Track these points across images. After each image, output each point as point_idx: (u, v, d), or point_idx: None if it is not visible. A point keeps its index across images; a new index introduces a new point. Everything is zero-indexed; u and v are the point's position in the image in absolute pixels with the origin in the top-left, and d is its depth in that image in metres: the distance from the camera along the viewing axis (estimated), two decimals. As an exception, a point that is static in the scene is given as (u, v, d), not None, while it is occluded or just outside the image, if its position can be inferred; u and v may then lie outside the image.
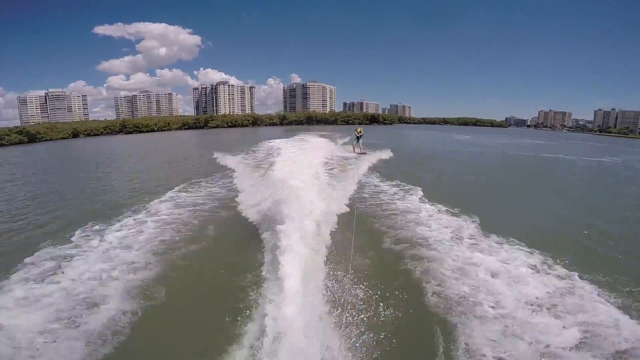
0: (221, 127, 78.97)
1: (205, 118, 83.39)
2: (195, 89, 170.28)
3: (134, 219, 9.55)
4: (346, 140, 30.08)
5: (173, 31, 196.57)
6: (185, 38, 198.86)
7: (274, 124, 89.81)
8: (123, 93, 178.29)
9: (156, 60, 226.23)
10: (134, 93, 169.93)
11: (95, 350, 4.44)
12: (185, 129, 74.78)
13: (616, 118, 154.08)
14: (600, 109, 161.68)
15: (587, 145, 51.12)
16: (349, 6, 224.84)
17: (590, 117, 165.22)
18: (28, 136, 57.76)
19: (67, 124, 71.06)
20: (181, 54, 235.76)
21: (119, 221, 9.39)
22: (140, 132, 65.09)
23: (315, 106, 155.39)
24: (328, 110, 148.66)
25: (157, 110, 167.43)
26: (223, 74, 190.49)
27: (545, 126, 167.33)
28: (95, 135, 61.88)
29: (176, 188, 13.43)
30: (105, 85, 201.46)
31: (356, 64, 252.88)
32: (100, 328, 4.81)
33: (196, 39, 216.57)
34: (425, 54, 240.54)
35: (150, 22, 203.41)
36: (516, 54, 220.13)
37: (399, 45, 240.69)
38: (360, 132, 23.54)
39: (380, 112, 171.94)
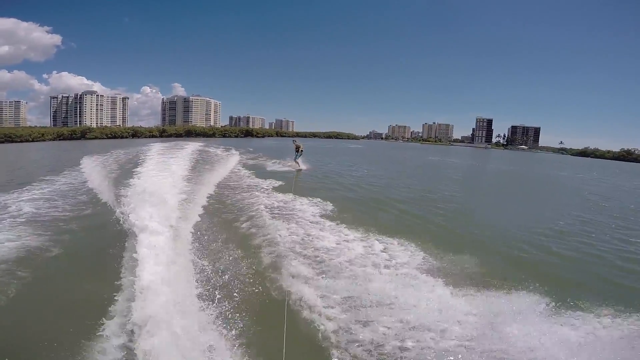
0: (100, 138, 79.51)
1: (82, 130, 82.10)
2: (54, 97, 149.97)
3: None
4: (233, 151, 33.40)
5: (25, 28, 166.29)
6: (39, 36, 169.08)
7: (153, 137, 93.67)
8: None
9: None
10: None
11: None
12: (60, 139, 72.71)
13: (435, 130, 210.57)
14: (426, 123, 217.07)
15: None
16: (242, 20, 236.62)
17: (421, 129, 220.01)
18: None
19: None
20: (30, 54, 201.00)
21: None
22: (12, 142, 61.73)
23: (198, 120, 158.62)
24: (212, 124, 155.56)
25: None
26: (84, 78, 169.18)
27: (392, 138, 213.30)
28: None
29: (31, 185, 13.15)
30: None
31: (246, 78, 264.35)
32: None
33: (55, 39, 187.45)
34: (307, 73, 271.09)
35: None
36: (377, 76, 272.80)
37: (284, 62, 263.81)
38: (298, 148, 21.32)
39: (267, 126, 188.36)
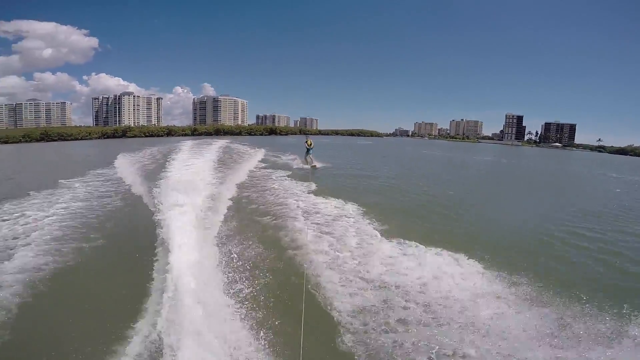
0: (139, 136, 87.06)
1: (123, 129, 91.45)
2: (95, 98, 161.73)
3: (21, 209, 9.57)
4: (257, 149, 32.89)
5: (65, 31, 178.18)
6: (78, 39, 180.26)
7: (185, 135, 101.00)
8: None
9: (37, 63, 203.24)
10: (19, 101, 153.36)
11: None
12: (105, 138, 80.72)
13: (464, 127, 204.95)
14: (453, 120, 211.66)
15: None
16: (268, 20, 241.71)
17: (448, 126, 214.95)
18: None
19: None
20: (71, 57, 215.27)
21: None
22: (65, 140, 69.59)
23: (226, 118, 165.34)
24: (240, 123, 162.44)
25: (47, 120, 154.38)
26: (120, 79, 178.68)
27: (418, 135, 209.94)
28: (13, 142, 64.95)
29: (70, 180, 14.13)
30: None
31: (273, 77, 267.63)
32: None
33: (92, 41, 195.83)
34: (333, 71, 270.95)
35: (37, 20, 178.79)
36: (404, 74, 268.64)
37: (310, 60, 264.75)
38: (311, 144, 22.60)
39: (292, 124, 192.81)
